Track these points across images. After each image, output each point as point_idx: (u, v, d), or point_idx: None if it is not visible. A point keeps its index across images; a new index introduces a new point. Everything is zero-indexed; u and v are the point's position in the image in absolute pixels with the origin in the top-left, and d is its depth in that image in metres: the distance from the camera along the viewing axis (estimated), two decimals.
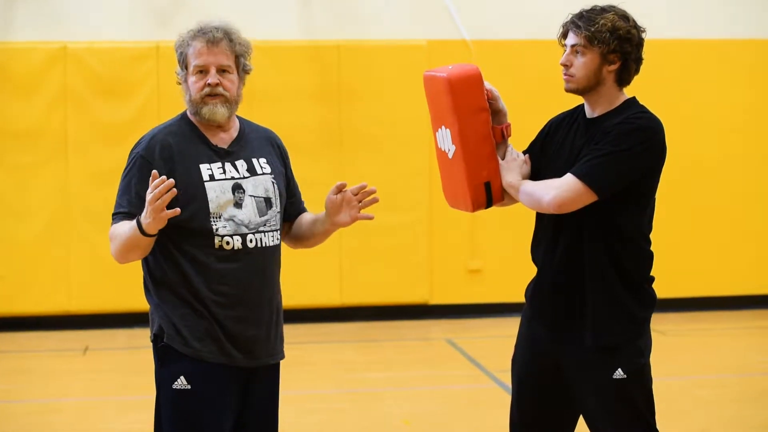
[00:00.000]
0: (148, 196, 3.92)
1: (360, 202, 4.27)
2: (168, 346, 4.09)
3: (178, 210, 3.96)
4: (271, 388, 4.27)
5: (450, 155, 4.35)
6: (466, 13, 11.35)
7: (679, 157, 10.52)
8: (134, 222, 3.99)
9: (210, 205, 4.08)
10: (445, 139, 4.36)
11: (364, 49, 11.22)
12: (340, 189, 4.25)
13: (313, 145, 11.00)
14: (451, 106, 4.24)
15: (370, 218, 4.31)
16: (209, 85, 4.12)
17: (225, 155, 4.17)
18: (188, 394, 4.07)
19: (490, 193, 4.33)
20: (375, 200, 4.30)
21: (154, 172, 3.96)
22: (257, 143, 4.29)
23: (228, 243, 4.10)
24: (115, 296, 10.88)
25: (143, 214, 3.96)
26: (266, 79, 10.76)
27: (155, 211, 3.91)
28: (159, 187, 3.89)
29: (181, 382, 4.07)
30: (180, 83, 4.23)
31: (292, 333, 10.95)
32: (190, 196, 4.06)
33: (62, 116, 10.83)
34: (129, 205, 4.08)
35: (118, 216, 4.10)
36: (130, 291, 10.54)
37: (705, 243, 11.63)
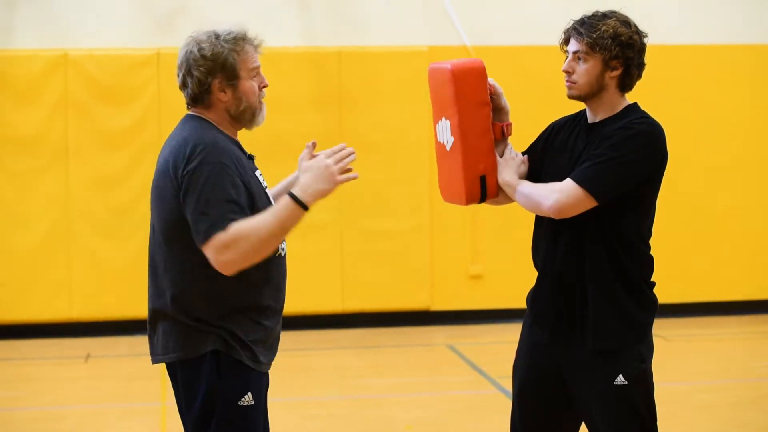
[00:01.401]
0: (330, 159, 3.87)
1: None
2: (236, 361, 3.93)
3: (357, 174, 3.94)
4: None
5: (448, 147, 4.34)
6: (467, 19, 11.35)
7: (681, 162, 10.51)
8: (282, 204, 3.80)
9: None
10: (445, 131, 4.36)
11: (364, 55, 11.22)
12: (311, 151, 4.14)
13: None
14: (452, 96, 4.24)
15: (355, 177, 4.15)
16: (264, 87, 4.11)
17: (253, 161, 4.13)
18: (252, 409, 3.96)
19: (485, 188, 4.31)
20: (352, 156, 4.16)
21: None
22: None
23: (282, 249, 4.06)
24: (116, 303, 10.87)
25: (297, 188, 3.82)
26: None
27: (334, 174, 3.84)
28: (340, 153, 3.87)
29: (247, 399, 3.95)
30: (219, 91, 4.01)
31: (294, 340, 10.96)
32: (264, 205, 3.93)
33: (63, 123, 10.83)
34: (235, 212, 3.79)
35: (229, 219, 3.76)
36: (131, 298, 10.55)
37: (706, 248, 11.62)
